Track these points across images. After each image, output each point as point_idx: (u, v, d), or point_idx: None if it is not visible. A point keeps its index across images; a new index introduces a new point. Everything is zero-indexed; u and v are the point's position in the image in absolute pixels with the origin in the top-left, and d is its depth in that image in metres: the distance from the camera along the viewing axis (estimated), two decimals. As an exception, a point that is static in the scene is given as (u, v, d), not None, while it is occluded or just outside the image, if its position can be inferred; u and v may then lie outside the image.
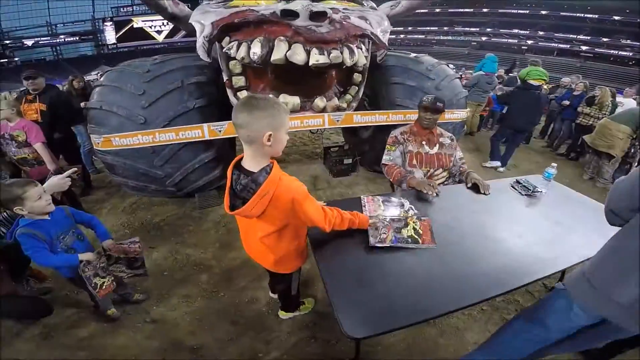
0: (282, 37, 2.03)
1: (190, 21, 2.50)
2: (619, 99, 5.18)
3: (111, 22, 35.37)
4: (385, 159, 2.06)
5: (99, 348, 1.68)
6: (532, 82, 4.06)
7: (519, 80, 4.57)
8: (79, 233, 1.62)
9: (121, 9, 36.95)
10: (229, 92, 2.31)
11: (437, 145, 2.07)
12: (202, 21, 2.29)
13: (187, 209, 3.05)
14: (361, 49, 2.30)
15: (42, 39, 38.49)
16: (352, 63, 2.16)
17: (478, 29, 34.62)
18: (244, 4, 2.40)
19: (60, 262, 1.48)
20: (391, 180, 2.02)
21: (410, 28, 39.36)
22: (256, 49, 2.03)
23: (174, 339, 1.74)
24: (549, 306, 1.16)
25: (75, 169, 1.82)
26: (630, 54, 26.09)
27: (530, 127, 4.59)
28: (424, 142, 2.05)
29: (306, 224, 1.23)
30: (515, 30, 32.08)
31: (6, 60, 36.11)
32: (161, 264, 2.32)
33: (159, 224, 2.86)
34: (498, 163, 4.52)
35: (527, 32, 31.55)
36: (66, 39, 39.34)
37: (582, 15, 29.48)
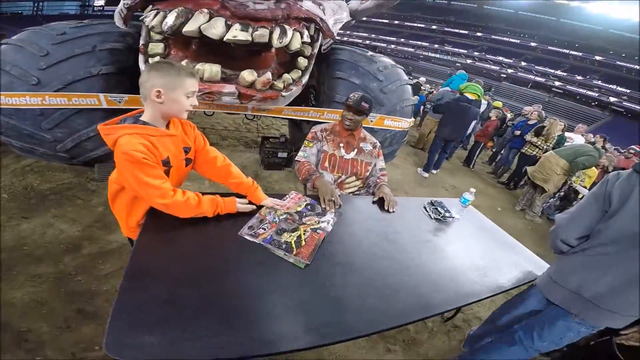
0: (204, 10, 1.82)
1: None
2: (568, 134, 5.33)
3: (105, -18, 33.12)
4: (299, 155, 1.86)
5: None
6: (467, 95, 4.44)
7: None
8: None
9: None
10: (140, 57, 2.06)
11: (355, 150, 1.90)
12: None
13: (84, 179, 2.73)
14: (302, 33, 2.10)
15: (27, -7, 35.42)
16: (279, 45, 1.94)
17: (466, 51, 35.44)
18: None
19: None
20: (300, 178, 1.80)
21: (402, 40, 39.81)
22: (169, 19, 1.81)
23: (2, 320, 1.50)
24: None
25: None
26: (596, 94, 27.43)
27: (458, 136, 4.82)
28: (341, 145, 1.88)
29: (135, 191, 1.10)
30: (500, 58, 33.07)
31: (-22, 11, 32.83)
32: (25, 237, 2.04)
33: (45, 191, 2.54)
34: (426, 174, 4.81)
35: (511, 61, 32.57)
36: (53, -5, 36.43)
37: (567, 51, 30.74)
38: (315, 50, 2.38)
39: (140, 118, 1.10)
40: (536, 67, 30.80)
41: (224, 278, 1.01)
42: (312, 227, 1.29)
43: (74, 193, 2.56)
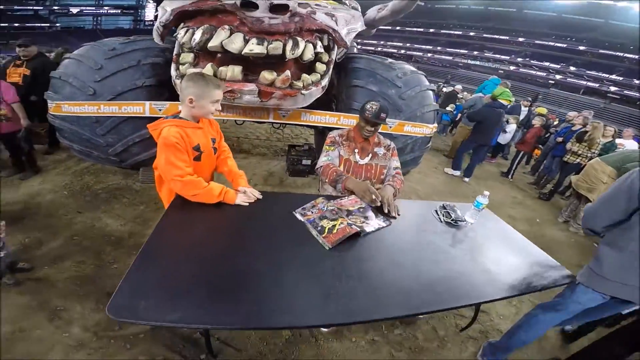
0: (226, 26, 2.03)
1: (159, 8, 2.51)
2: (619, 140, 4.85)
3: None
4: (321, 160, 1.90)
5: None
6: (502, 101, 4.44)
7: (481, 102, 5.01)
8: None
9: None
10: (172, 66, 2.30)
11: (370, 155, 1.93)
12: (166, 7, 2.32)
13: (130, 181, 3.11)
14: (315, 44, 2.22)
15: (87, 8, 40.41)
16: (292, 56, 2.08)
17: (509, 57, 33.51)
18: None
19: None
20: (326, 181, 1.84)
21: (439, 48, 38.62)
22: (197, 36, 2.03)
23: (43, 298, 1.76)
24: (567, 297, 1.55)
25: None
26: None
27: (490, 141, 4.82)
28: (356, 150, 1.92)
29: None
30: (547, 63, 30.84)
31: (48, 24, 38.11)
32: (76, 229, 2.39)
33: (97, 190, 2.96)
34: (458, 173, 4.90)
35: (559, 66, 30.24)
36: (109, 11, 41.24)
37: (621, 54, 28.04)
38: (333, 57, 2.48)
39: (180, 115, 1.43)
40: (587, 71, 28.35)
41: (240, 255, 1.15)
42: (349, 222, 1.39)
43: (121, 192, 2.94)
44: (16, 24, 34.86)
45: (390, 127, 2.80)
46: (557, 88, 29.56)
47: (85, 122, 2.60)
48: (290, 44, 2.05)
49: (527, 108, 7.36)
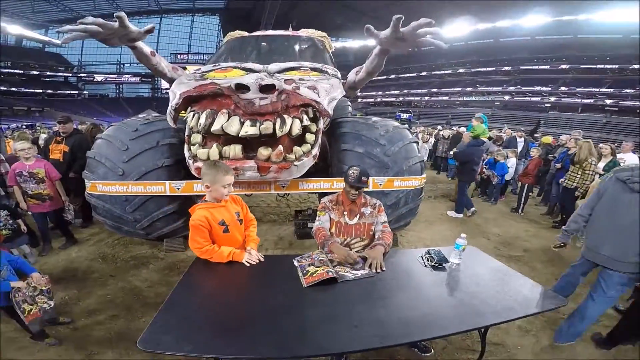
0: (224, 110, 2.32)
1: (169, 91, 2.81)
2: (620, 155, 4.85)
3: (167, 68, 40.39)
4: (316, 224, 2.19)
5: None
6: (483, 139, 4.80)
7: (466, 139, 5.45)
8: (11, 268, 2.00)
9: (179, 56, 42.44)
10: (185, 146, 2.55)
11: (358, 216, 2.17)
12: (175, 91, 2.58)
13: (156, 250, 3.47)
14: (301, 118, 2.45)
15: (110, 76, 44.81)
16: (282, 133, 2.32)
17: (500, 88, 34.32)
18: (214, 76, 2.77)
19: None
20: (317, 242, 2.10)
21: (434, 90, 39.93)
22: (202, 120, 2.32)
23: (80, 344, 2.13)
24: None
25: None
26: None
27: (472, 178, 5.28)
28: (345, 213, 2.17)
29: None
30: (538, 87, 31.46)
31: (77, 92, 42.26)
32: (109, 289, 2.80)
33: (127, 258, 3.34)
34: (461, 215, 5.14)
35: (549, 88, 30.72)
36: (129, 79, 45.58)
37: (603, 66, 28.49)
38: (321, 126, 2.72)
39: (205, 199, 1.86)
40: (578, 89, 28.66)
41: (248, 294, 1.56)
42: (329, 269, 1.69)
43: (148, 260, 3.31)
44: (49, 90, 38.78)
45: (380, 184, 3.00)
46: (555, 110, 29.81)
47: (116, 200, 2.96)
48: (278, 122, 2.32)
49: (522, 139, 7.50)
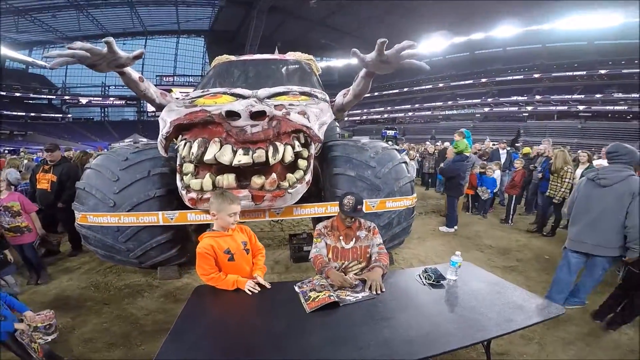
0: (216, 139, 2.30)
1: (159, 119, 2.78)
2: (597, 162, 4.99)
3: (152, 90, 40.28)
4: (312, 252, 2.20)
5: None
6: (467, 154, 5.10)
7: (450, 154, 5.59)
8: (3, 302, 1.94)
9: (164, 78, 42.60)
10: (177, 176, 2.53)
11: (353, 240, 2.19)
12: (165, 119, 2.56)
13: (150, 278, 3.40)
14: (293, 145, 2.47)
15: (95, 98, 44.33)
16: (275, 161, 2.33)
17: (479, 100, 35.61)
18: (204, 103, 2.77)
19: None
20: (316, 269, 2.11)
21: (417, 105, 41.21)
22: (194, 149, 2.31)
23: None
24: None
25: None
26: (625, 107, 25.92)
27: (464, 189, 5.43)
28: (341, 237, 2.19)
29: None
30: (514, 97, 32.84)
31: (61, 115, 41.53)
32: (104, 317, 2.75)
33: (120, 286, 3.27)
34: (452, 230, 5.24)
35: (525, 97, 32.12)
36: (114, 102, 45.20)
37: (571, 73, 30.22)
38: (312, 151, 2.71)
39: (212, 227, 1.93)
40: (551, 96, 30.19)
41: (252, 321, 1.61)
42: (331, 294, 1.72)
43: (142, 288, 3.24)
44: (32, 113, 37.94)
45: (373, 206, 3.02)
46: (533, 119, 31.14)
47: (108, 231, 2.92)
48: (271, 150, 2.31)
49: (504, 150, 7.70)
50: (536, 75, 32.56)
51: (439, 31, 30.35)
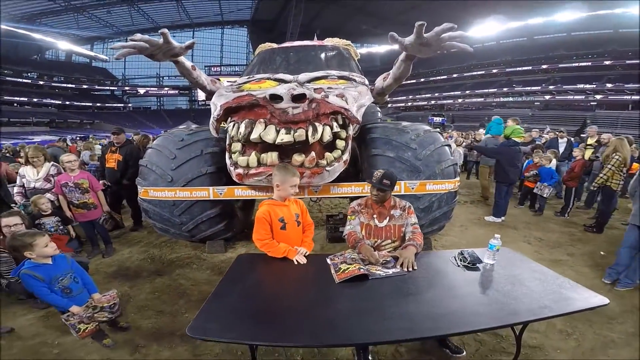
0: (261, 120, 2.50)
1: (210, 102, 3.06)
2: None
3: (202, 80, 42.53)
4: (346, 229, 2.26)
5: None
6: (516, 139, 4.91)
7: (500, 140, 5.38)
8: (76, 276, 2.06)
9: (212, 69, 44.79)
10: (227, 154, 2.74)
11: (387, 218, 2.21)
12: (216, 103, 2.76)
13: (199, 252, 3.73)
14: (331, 125, 2.60)
15: (151, 88, 48.33)
16: (314, 140, 2.48)
17: (540, 87, 32.35)
18: (250, 88, 2.96)
19: (54, 302, 1.93)
20: (349, 245, 2.18)
21: (467, 92, 38.34)
22: (241, 129, 2.52)
23: (129, 337, 2.33)
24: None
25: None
26: None
27: (516, 178, 5.11)
28: (374, 216, 2.22)
29: None
30: (580, 85, 29.31)
31: (122, 105, 46.06)
32: (156, 287, 3.03)
33: (172, 259, 3.62)
34: (499, 219, 4.96)
35: (594, 85, 28.50)
36: (168, 92, 48.86)
37: None
38: (350, 132, 2.80)
39: (272, 197, 2.09)
40: (626, 85, 26.40)
41: (285, 288, 1.74)
42: (361, 267, 1.77)
43: (191, 261, 3.56)
44: (98, 104, 42.56)
45: (412, 188, 3.00)
46: (602, 108, 27.47)
47: (165, 205, 3.24)
48: (310, 129, 2.47)
49: (564, 139, 7.05)
50: (607, 62, 28.63)
51: (492, 16, 27.85)
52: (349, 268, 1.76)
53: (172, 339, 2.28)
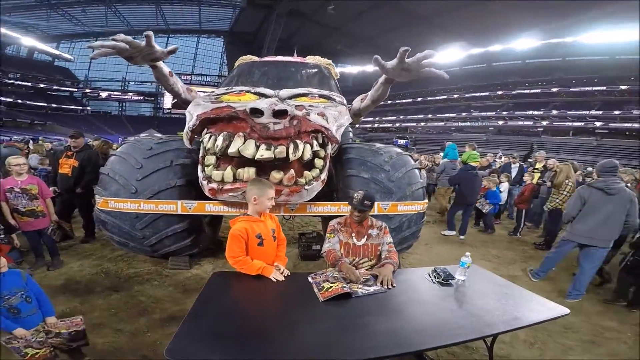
0: (240, 133, 2.43)
1: (185, 112, 2.94)
2: None
3: (171, 88, 40.77)
4: (325, 247, 2.27)
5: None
6: (472, 164, 5.43)
7: (457, 164, 6.11)
8: (28, 295, 1.82)
9: (182, 77, 43.41)
10: (199, 167, 2.64)
11: (365, 237, 2.27)
12: (192, 112, 2.67)
13: (160, 267, 3.48)
14: (312, 144, 2.60)
15: (114, 93, 45.71)
16: (294, 157, 2.46)
17: (494, 113, 35.02)
18: (229, 100, 2.90)
19: None
20: (328, 263, 2.19)
21: (430, 115, 40.64)
22: (219, 142, 2.43)
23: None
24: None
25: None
26: None
27: (473, 200, 5.51)
28: (353, 234, 2.27)
29: None
30: (530, 112, 32.22)
31: (80, 107, 42.87)
32: (113, 304, 2.79)
33: (130, 274, 3.35)
34: (453, 232, 5.48)
35: (541, 112, 31.45)
36: (133, 97, 46.47)
37: (591, 88, 29.45)
38: (329, 151, 2.83)
39: (247, 213, 2.02)
40: (568, 112, 29.41)
41: (268, 308, 1.68)
42: (344, 285, 1.78)
43: (152, 277, 3.31)
44: (54, 105, 39.15)
45: (385, 209, 3.07)
46: (547, 134, 30.41)
47: (126, 217, 3.00)
48: (292, 147, 2.47)
49: (516, 164, 7.62)
50: (554, 90, 31.91)
51: (457, 42, 30.20)
52: (332, 287, 1.76)
53: (148, 356, 2.13)
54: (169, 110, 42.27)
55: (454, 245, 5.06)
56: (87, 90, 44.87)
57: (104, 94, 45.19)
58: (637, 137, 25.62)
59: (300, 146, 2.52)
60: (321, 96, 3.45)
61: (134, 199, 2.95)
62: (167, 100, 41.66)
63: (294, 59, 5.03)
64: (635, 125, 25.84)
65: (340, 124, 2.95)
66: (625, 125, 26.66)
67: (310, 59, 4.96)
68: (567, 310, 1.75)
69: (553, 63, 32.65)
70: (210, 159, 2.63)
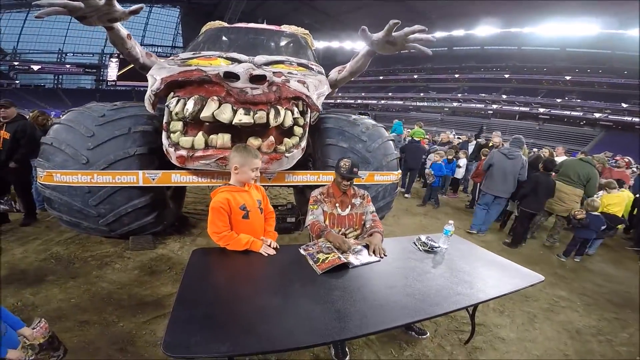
0: (215, 97, 2.25)
1: (147, 75, 2.64)
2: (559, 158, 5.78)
3: (117, 59, 36.42)
4: (308, 219, 2.19)
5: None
6: (416, 138, 6.83)
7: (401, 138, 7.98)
8: None
9: (129, 46, 39.15)
10: (163, 134, 2.43)
11: (349, 207, 2.24)
12: (155, 76, 2.44)
13: (119, 249, 3.16)
14: (292, 110, 2.49)
15: (48, 65, 39.94)
16: (275, 124, 2.34)
17: (450, 95, 36.98)
18: (198, 64, 2.64)
19: None
20: (313, 235, 2.11)
21: (390, 94, 41.68)
22: (189, 106, 2.23)
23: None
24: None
25: None
26: (581, 114, 28.31)
27: (416, 166, 6.69)
28: (337, 204, 2.22)
29: None
30: (482, 95, 34.46)
31: (7, 81, 37.02)
32: (72, 293, 2.47)
33: (86, 258, 2.98)
34: (403, 189, 6.72)
35: (492, 95, 33.83)
36: (71, 69, 40.98)
37: (539, 77, 32.43)
38: (308, 120, 2.75)
39: (229, 182, 1.83)
40: (517, 97, 32.02)
41: (263, 285, 1.56)
42: (339, 256, 1.74)
43: (112, 260, 2.99)
44: (-28, 79, 33.52)
45: (362, 178, 3.05)
46: (496, 117, 32.82)
47: (77, 192, 2.63)
48: (272, 112, 2.33)
49: (473, 142, 8.19)
50: (506, 76, 34.29)
51: (423, 23, 30.50)
52: (327, 257, 1.70)
53: (112, 354, 1.88)
54: (114, 82, 38.04)
55: (419, 217, 5.39)
56: (15, 63, 38.68)
57: (36, 67, 39.27)
58: (574, 124, 28.98)
59: (282, 112, 2.39)
60: (300, 65, 3.27)
61: (86, 170, 2.59)
62: (112, 72, 37.40)
63: (269, 26, 4.67)
64: (574, 113, 28.96)
65: (320, 92, 2.85)
66: (565, 112, 29.69)
67: (285, 28, 4.67)
68: (542, 277, 1.89)
69: (509, 51, 34.68)
70: (177, 125, 2.40)
